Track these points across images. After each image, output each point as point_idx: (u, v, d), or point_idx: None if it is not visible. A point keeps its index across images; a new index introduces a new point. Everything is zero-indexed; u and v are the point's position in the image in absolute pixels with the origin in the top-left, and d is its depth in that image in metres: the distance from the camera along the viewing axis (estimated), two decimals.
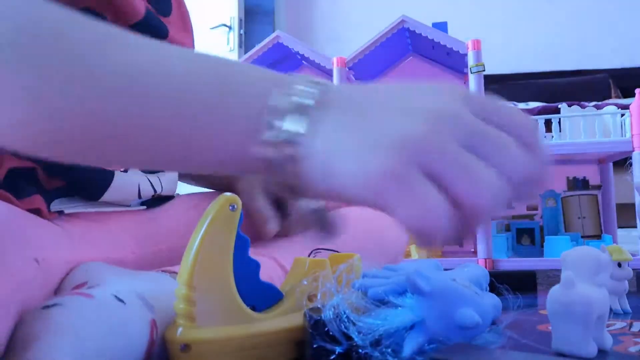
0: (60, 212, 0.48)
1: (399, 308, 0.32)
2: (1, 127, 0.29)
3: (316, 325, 0.33)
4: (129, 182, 0.53)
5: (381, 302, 0.34)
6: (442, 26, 1.52)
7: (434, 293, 0.32)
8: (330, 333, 0.31)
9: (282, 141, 0.27)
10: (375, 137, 0.26)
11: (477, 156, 0.25)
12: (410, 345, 0.31)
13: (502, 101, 0.28)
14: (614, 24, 3.15)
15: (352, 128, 0.26)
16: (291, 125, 0.27)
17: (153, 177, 0.57)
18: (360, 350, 0.30)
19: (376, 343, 0.30)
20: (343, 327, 0.31)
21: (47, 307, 0.30)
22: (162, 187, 0.57)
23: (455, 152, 0.25)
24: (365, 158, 0.25)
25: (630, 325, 0.39)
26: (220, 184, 0.63)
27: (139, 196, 0.55)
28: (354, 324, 0.31)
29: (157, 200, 0.59)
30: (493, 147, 0.26)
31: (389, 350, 0.30)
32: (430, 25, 1.49)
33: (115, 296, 0.32)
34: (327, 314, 0.32)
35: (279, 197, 0.57)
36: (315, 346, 0.32)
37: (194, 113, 0.28)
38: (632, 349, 0.33)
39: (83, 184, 0.49)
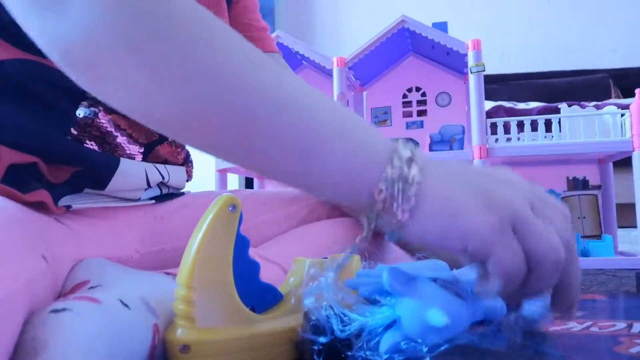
0: (68, 207, 0.48)
1: (383, 306, 0.32)
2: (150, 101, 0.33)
3: (304, 317, 0.34)
4: (135, 169, 0.53)
5: (372, 300, 0.34)
6: (442, 26, 1.52)
7: (408, 293, 0.32)
8: (314, 324, 0.32)
9: (404, 181, 0.32)
10: (482, 197, 0.31)
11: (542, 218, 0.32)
12: (385, 343, 0.31)
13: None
14: (614, 24, 3.15)
15: (461, 185, 0.32)
16: (410, 170, 0.32)
17: (160, 166, 0.57)
18: (338, 344, 0.31)
19: (356, 337, 0.31)
20: (326, 318, 0.31)
21: (56, 311, 0.29)
22: (169, 175, 0.57)
23: (529, 215, 0.31)
24: (483, 211, 0.31)
25: (631, 326, 0.39)
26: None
27: (148, 184, 0.55)
28: (339, 318, 0.31)
29: (166, 196, 0.59)
30: (551, 211, 0.33)
31: (369, 345, 0.31)
32: (430, 25, 1.49)
33: (121, 301, 0.32)
34: (311, 305, 0.32)
35: None
36: (302, 337, 0.33)
37: (333, 138, 0.33)
38: (633, 350, 0.33)
39: (89, 171, 0.49)
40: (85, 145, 0.49)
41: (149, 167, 0.55)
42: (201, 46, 0.32)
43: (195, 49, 0.32)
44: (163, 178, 0.57)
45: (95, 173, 0.49)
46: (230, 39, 0.34)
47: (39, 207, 0.43)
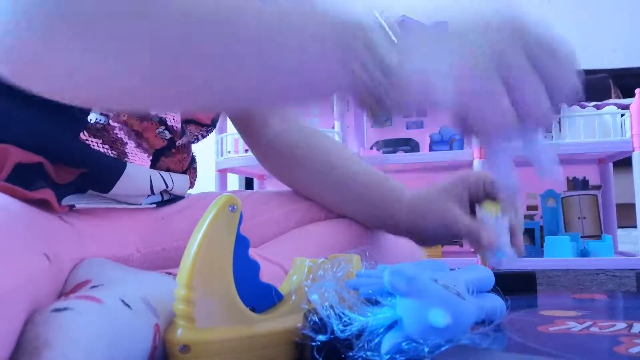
0: (72, 207, 0.48)
1: (384, 307, 0.32)
2: (96, 80, 0.31)
3: (305, 317, 0.34)
4: (140, 175, 0.53)
5: (373, 301, 0.34)
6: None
7: (410, 293, 0.32)
8: (314, 324, 0.32)
9: (379, 61, 0.31)
10: (461, 52, 0.31)
11: (535, 66, 0.31)
12: (387, 343, 0.31)
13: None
14: (614, 24, 3.15)
15: (439, 49, 0.32)
16: (384, 48, 0.31)
17: (165, 174, 0.57)
18: (339, 344, 0.31)
19: (356, 337, 0.31)
20: (326, 318, 0.31)
21: (58, 310, 0.29)
22: (173, 183, 0.58)
23: (523, 66, 0.30)
24: (457, 71, 0.30)
25: (631, 326, 0.39)
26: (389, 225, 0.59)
27: (152, 191, 0.55)
28: (339, 317, 0.31)
29: (168, 201, 0.59)
30: (548, 59, 0.31)
31: (370, 345, 0.31)
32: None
33: (122, 301, 0.32)
34: (316, 301, 0.32)
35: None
36: (301, 337, 0.33)
37: (292, 41, 0.32)
38: (633, 350, 0.33)
39: (95, 173, 0.49)
40: (92, 148, 0.50)
41: (154, 174, 0.55)
42: None
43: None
44: (167, 186, 0.57)
45: (100, 176, 0.50)
46: None
47: (42, 205, 0.43)
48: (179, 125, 0.59)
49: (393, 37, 0.32)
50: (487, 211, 0.43)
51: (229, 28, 0.32)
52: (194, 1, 0.31)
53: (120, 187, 0.51)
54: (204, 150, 0.91)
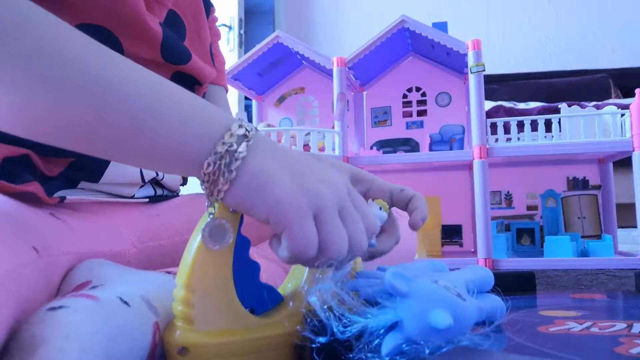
0: (62, 199, 0.47)
1: (384, 308, 0.32)
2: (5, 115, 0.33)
3: (304, 318, 0.34)
4: None
5: (373, 302, 0.34)
6: (442, 26, 1.52)
7: (411, 294, 0.32)
8: (314, 326, 0.32)
9: (230, 156, 0.34)
10: (297, 182, 0.35)
11: (342, 219, 0.36)
12: (387, 345, 0.31)
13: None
14: (614, 24, 3.15)
15: (281, 166, 0.36)
16: (239, 147, 0.34)
17: None
18: (338, 346, 0.31)
19: (356, 339, 0.31)
20: (326, 320, 0.31)
21: (53, 308, 0.29)
22: (163, 173, 0.57)
23: (333, 214, 0.35)
24: (291, 191, 0.34)
25: (631, 327, 0.39)
26: None
27: (142, 179, 0.55)
28: (339, 319, 0.31)
29: (161, 197, 0.59)
30: (351, 218, 0.37)
31: (370, 347, 0.30)
32: (430, 25, 1.48)
33: (120, 298, 0.32)
34: (315, 303, 0.32)
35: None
36: (301, 340, 0.33)
37: (168, 124, 0.35)
38: (633, 351, 0.33)
39: (83, 162, 0.49)
40: None
41: None
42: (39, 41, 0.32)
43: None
44: (157, 174, 0.57)
45: (89, 163, 0.49)
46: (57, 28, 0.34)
47: (30, 199, 0.43)
48: None
49: (249, 133, 0.35)
50: (377, 203, 0.47)
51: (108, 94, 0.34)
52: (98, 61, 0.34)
53: (110, 175, 0.51)
54: None
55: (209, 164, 0.34)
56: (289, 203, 0.34)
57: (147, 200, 0.57)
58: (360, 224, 0.37)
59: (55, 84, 0.32)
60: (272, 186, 0.34)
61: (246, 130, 0.36)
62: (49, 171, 0.47)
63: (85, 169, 0.50)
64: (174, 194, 0.63)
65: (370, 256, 0.44)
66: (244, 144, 0.34)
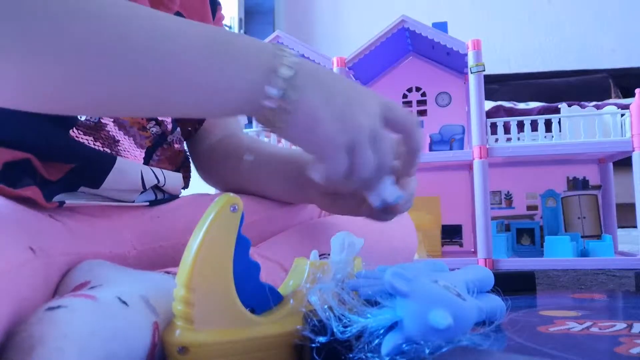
0: (62, 204, 0.47)
1: (384, 308, 0.32)
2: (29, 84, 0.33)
3: (304, 318, 0.34)
4: (130, 169, 0.52)
5: (373, 302, 0.34)
6: (442, 26, 1.52)
7: (411, 294, 0.32)
8: (314, 325, 0.32)
9: (281, 95, 0.38)
10: (340, 119, 0.40)
11: (372, 144, 0.41)
12: (387, 345, 0.31)
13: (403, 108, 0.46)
14: (614, 24, 3.15)
15: (326, 98, 0.40)
16: (287, 85, 0.38)
17: (156, 169, 0.56)
18: (338, 345, 0.31)
19: (356, 339, 0.31)
20: (326, 320, 0.31)
21: (51, 309, 0.29)
22: (165, 179, 0.57)
23: (366, 145, 0.41)
24: (331, 130, 0.39)
25: (631, 327, 0.39)
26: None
27: (143, 186, 0.54)
28: (339, 319, 0.31)
29: (162, 201, 0.59)
30: (381, 143, 0.42)
31: (370, 347, 0.31)
32: (430, 25, 1.48)
33: (119, 298, 0.32)
34: (316, 303, 0.32)
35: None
36: (301, 339, 0.33)
37: (215, 64, 0.37)
38: (633, 351, 0.33)
39: (84, 168, 0.49)
40: (82, 143, 0.49)
41: (145, 169, 0.54)
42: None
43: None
44: (158, 181, 0.56)
45: (90, 170, 0.49)
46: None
47: (29, 203, 0.43)
48: (169, 120, 0.59)
49: (295, 74, 0.38)
50: None
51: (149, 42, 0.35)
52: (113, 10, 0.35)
53: (111, 182, 0.50)
54: None
55: (264, 103, 0.37)
56: (328, 142, 0.39)
57: (148, 204, 0.57)
58: (387, 147, 0.42)
59: (106, 52, 0.33)
60: (317, 127, 0.39)
61: (289, 65, 0.38)
62: (50, 175, 0.47)
63: (87, 175, 0.49)
64: (174, 197, 0.63)
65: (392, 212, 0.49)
66: (297, 83, 0.38)
